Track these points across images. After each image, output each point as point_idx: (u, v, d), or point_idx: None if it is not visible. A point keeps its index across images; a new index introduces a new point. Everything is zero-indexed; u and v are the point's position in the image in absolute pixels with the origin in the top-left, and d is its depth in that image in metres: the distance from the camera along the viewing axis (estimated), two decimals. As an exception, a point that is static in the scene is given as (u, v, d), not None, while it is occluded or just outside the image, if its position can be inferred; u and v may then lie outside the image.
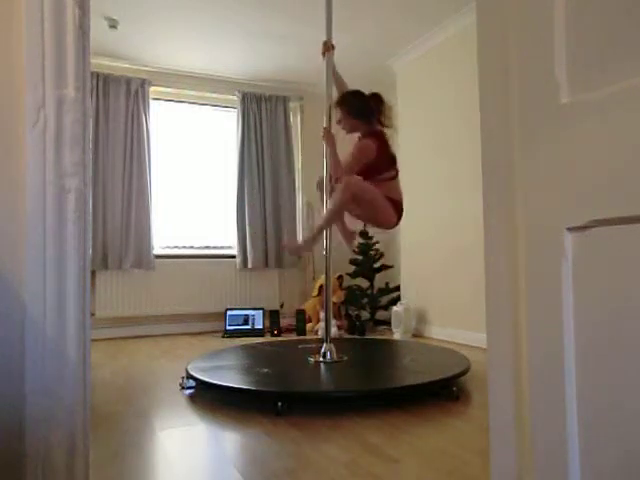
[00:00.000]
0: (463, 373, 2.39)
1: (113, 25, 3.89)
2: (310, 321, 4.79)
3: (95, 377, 2.82)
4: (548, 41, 0.66)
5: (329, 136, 2.81)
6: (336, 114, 2.83)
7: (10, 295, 1.13)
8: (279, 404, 2.09)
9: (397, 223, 2.80)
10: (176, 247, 4.90)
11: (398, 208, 2.75)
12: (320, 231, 2.80)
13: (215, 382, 2.28)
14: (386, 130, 2.81)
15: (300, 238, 2.83)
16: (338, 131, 2.84)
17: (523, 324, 0.70)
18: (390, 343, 3.51)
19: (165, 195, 4.87)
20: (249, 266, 4.90)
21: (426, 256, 4.34)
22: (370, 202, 2.65)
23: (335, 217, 2.78)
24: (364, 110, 2.74)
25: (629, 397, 0.57)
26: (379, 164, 2.69)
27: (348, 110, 2.76)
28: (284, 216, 5.06)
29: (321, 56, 2.95)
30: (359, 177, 2.69)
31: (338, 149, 2.79)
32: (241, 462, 1.64)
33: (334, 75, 2.95)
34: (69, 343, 1.17)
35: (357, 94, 2.80)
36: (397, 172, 2.79)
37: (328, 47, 2.91)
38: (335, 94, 2.94)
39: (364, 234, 4.95)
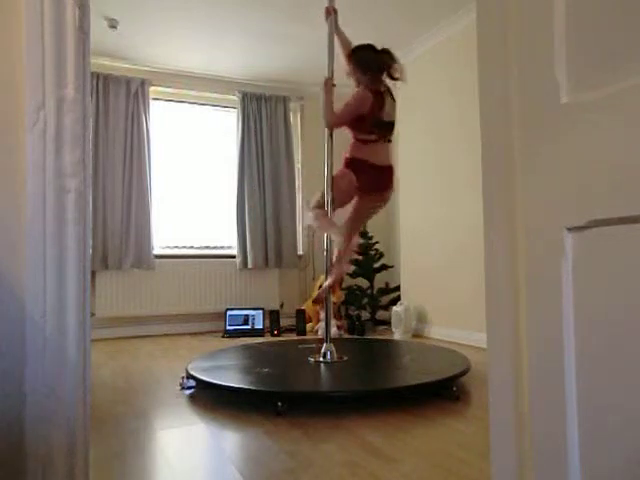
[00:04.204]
0: (463, 373, 2.39)
1: (113, 25, 3.89)
2: (310, 321, 4.80)
3: (95, 377, 2.82)
4: (548, 41, 0.66)
5: (328, 85, 2.83)
6: (346, 68, 2.83)
7: (10, 295, 1.13)
8: (279, 404, 2.09)
9: (386, 191, 2.84)
10: (176, 247, 4.90)
11: (384, 174, 2.79)
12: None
13: (215, 382, 2.28)
14: (397, 83, 2.85)
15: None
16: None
17: (523, 324, 0.70)
18: (390, 343, 3.51)
19: (165, 195, 4.87)
20: (249, 266, 4.90)
21: (426, 256, 4.34)
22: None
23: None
24: (372, 64, 2.75)
25: (629, 397, 0.57)
26: (367, 121, 2.70)
27: (357, 64, 2.77)
28: (284, 216, 5.07)
29: (325, 21, 2.94)
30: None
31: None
32: (241, 462, 1.64)
33: (339, 35, 2.94)
34: (69, 343, 1.17)
35: (367, 48, 2.79)
36: (382, 137, 2.78)
37: (330, 11, 2.91)
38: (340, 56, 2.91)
39: (364, 234, 4.95)
